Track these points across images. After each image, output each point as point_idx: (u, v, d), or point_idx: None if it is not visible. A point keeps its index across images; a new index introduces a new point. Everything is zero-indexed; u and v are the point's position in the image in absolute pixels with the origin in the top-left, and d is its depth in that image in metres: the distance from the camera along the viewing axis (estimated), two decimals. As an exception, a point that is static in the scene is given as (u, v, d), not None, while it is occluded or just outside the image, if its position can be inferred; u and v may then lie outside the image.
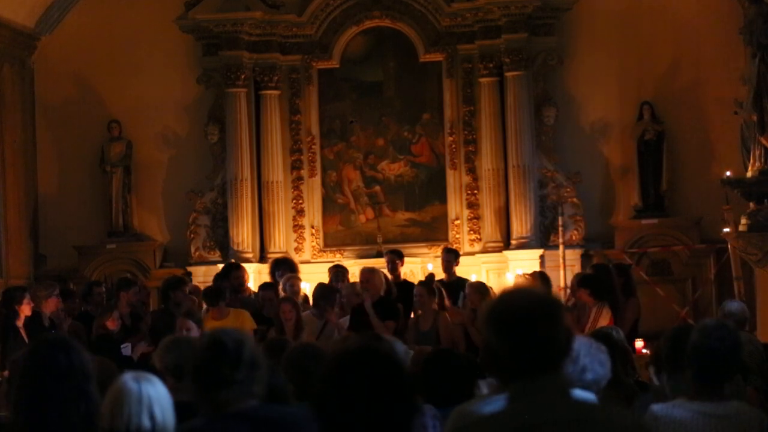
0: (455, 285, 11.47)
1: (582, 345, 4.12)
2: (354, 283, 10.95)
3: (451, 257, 12.51)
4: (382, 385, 2.88)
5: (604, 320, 9.28)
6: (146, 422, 3.97)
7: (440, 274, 12.59)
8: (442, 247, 14.02)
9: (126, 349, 9.77)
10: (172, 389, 5.08)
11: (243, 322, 10.00)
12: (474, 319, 10.18)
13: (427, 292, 10.39)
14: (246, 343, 3.77)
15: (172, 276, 11.88)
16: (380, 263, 12.53)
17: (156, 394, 4.04)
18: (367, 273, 10.71)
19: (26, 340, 9.55)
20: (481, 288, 10.77)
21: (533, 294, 3.00)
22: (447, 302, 10.76)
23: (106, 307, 10.67)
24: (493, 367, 3.00)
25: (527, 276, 11.81)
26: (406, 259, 14.43)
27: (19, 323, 9.83)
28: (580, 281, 9.98)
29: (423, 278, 12.63)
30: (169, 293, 10.44)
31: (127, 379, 4.04)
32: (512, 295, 3.05)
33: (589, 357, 4.11)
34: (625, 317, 9.82)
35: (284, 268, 12.06)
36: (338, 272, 11.73)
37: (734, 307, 8.22)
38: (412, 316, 10.69)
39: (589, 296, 9.62)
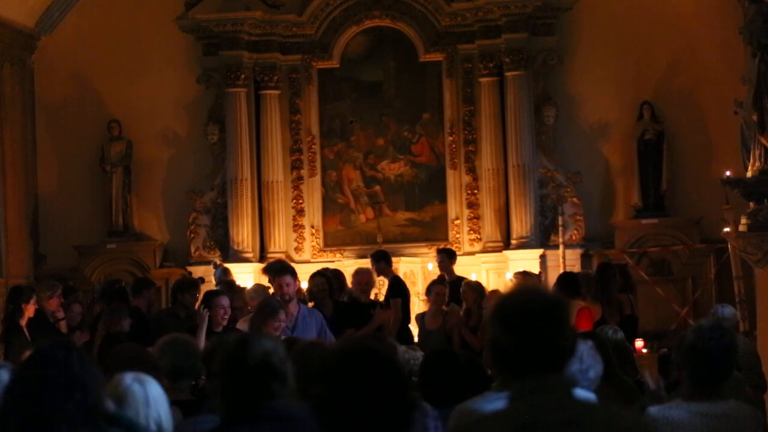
0: (456, 285, 11.46)
1: (583, 345, 4.25)
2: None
3: (444, 257, 12.40)
4: (379, 385, 2.88)
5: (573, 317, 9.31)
6: (150, 423, 3.99)
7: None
8: (436, 248, 13.98)
9: None
10: (167, 389, 5.11)
11: None
12: (467, 319, 10.19)
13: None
14: (273, 356, 3.68)
15: (182, 277, 11.80)
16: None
17: (156, 395, 4.05)
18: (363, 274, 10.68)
19: (29, 338, 9.60)
20: (476, 287, 10.76)
21: (541, 293, 3.00)
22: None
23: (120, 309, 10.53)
24: (495, 364, 3.00)
25: (516, 277, 11.79)
26: (406, 259, 14.45)
27: (23, 322, 9.86)
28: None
29: (424, 280, 12.60)
30: (177, 294, 10.17)
31: (131, 382, 4.04)
32: (520, 294, 3.06)
33: (591, 357, 4.25)
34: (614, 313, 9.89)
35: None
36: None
37: (726, 313, 8.26)
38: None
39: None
